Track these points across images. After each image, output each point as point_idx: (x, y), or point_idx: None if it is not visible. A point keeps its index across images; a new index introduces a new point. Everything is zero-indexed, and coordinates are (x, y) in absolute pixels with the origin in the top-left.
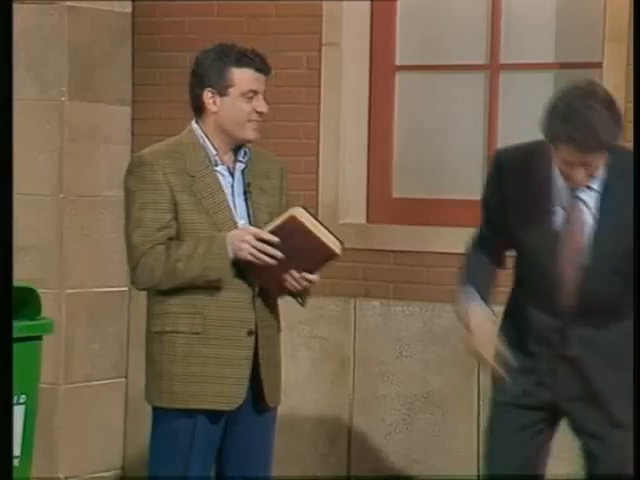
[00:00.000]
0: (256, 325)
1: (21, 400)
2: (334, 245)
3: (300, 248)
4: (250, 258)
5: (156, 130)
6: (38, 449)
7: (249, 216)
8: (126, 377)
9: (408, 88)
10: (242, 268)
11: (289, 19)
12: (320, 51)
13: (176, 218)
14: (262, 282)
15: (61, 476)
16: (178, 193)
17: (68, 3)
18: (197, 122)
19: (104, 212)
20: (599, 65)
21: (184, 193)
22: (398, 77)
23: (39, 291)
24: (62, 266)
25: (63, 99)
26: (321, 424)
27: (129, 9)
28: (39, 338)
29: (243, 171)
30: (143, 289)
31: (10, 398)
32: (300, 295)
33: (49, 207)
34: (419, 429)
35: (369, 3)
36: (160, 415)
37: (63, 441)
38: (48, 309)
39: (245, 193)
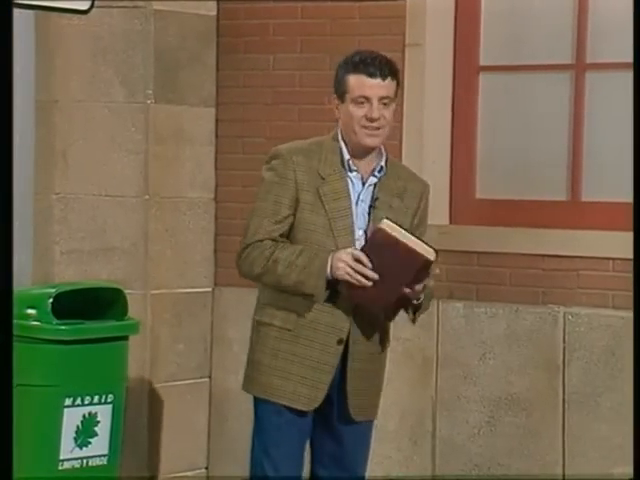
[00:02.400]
0: (348, 336)
1: (108, 399)
2: (426, 252)
3: (393, 262)
4: (347, 278)
5: (240, 132)
6: (124, 448)
7: (367, 229)
8: (210, 377)
9: (492, 88)
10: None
11: (372, 20)
12: (403, 52)
13: (295, 215)
14: (358, 300)
15: (146, 475)
16: (303, 192)
17: (154, 7)
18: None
19: (188, 213)
20: None
21: (309, 193)
22: (482, 77)
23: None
24: (147, 267)
25: (149, 102)
26: (404, 425)
27: (214, 12)
28: (126, 338)
29: (376, 184)
30: (243, 276)
31: (10, 398)
32: (412, 309)
33: (134, 208)
34: (503, 431)
35: (453, 3)
36: (254, 402)
37: (148, 440)
38: (133, 309)
39: (370, 207)
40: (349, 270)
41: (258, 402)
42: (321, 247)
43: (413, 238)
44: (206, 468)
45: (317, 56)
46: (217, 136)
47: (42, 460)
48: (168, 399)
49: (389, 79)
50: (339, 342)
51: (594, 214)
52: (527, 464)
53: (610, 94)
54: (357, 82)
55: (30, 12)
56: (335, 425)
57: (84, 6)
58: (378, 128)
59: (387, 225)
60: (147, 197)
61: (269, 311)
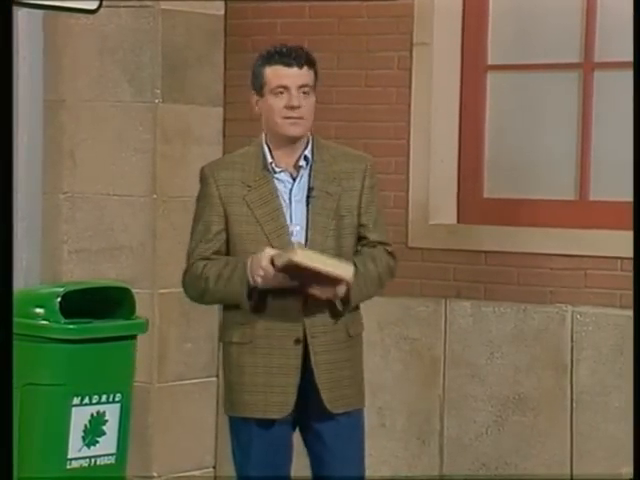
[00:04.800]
0: (305, 333)
1: (116, 399)
2: (343, 271)
3: (311, 278)
4: (262, 285)
5: (247, 131)
6: (131, 447)
7: (307, 222)
8: (217, 376)
9: (500, 88)
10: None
11: (380, 19)
12: (411, 51)
13: (227, 230)
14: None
15: (154, 474)
16: (230, 205)
17: (162, 6)
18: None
19: None
20: None
21: (237, 205)
22: (490, 76)
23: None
24: (155, 266)
25: (156, 101)
26: (412, 424)
27: (222, 11)
28: (133, 337)
29: (310, 174)
30: (192, 301)
31: (10, 398)
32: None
33: (142, 208)
34: (510, 431)
35: (461, 2)
36: (229, 421)
37: (156, 440)
38: (141, 309)
39: (308, 198)
40: (264, 278)
41: (232, 421)
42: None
43: (326, 259)
44: (214, 467)
45: (324, 55)
46: (225, 135)
47: (50, 459)
48: (176, 398)
49: (306, 68)
50: (296, 342)
51: (602, 213)
52: (535, 463)
53: (618, 93)
54: (274, 73)
55: (38, 12)
56: (315, 424)
57: (92, 6)
58: (300, 117)
59: (299, 254)
60: (155, 196)
61: (229, 329)
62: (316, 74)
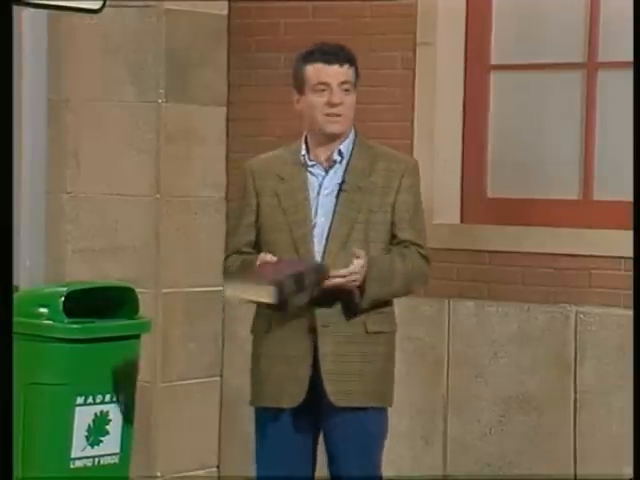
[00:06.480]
0: (315, 323)
1: (120, 398)
2: (264, 296)
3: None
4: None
5: (251, 131)
6: (135, 447)
7: (334, 214)
8: (221, 376)
9: (503, 87)
10: None
11: (383, 19)
12: (415, 51)
13: (258, 220)
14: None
15: (158, 474)
16: (262, 197)
17: (165, 6)
18: None
19: (199, 212)
20: None
21: (268, 196)
22: (493, 76)
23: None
24: (158, 266)
25: (160, 101)
26: (416, 424)
27: (225, 11)
28: (137, 337)
29: (346, 168)
30: None
31: (10, 398)
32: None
33: (146, 207)
34: (514, 430)
35: (464, 2)
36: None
37: (159, 439)
38: (144, 308)
39: (339, 191)
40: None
41: (255, 410)
42: (280, 245)
43: (248, 290)
44: (217, 467)
45: None
46: (228, 135)
47: (54, 459)
48: (179, 398)
49: (347, 65)
50: (309, 332)
51: (605, 213)
52: (538, 463)
53: (622, 93)
54: (315, 70)
55: (42, 12)
56: (325, 419)
57: (96, 5)
58: (340, 115)
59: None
60: (158, 196)
61: (255, 319)
62: (357, 72)
